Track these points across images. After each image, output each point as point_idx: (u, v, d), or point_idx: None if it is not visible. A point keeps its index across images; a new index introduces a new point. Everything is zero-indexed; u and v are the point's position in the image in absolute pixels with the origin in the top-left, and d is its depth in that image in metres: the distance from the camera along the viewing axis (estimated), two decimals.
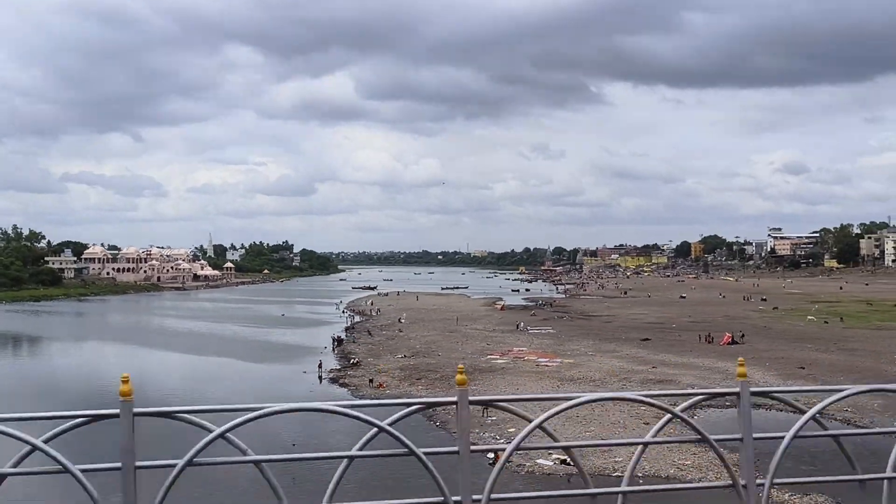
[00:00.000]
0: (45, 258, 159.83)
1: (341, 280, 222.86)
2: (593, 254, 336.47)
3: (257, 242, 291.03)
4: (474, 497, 3.96)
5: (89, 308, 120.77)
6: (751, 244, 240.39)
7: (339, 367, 52.83)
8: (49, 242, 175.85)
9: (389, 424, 3.96)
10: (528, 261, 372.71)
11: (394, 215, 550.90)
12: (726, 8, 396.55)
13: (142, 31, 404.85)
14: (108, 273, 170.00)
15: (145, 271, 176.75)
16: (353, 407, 4.04)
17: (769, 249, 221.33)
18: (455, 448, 4.02)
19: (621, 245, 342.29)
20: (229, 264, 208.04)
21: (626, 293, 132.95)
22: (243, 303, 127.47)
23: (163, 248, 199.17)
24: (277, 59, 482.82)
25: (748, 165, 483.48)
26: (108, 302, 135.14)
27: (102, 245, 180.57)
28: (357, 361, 53.49)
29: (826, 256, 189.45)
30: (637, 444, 4.42)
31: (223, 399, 41.72)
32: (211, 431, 3.77)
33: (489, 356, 53.68)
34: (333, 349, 63.34)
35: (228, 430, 3.77)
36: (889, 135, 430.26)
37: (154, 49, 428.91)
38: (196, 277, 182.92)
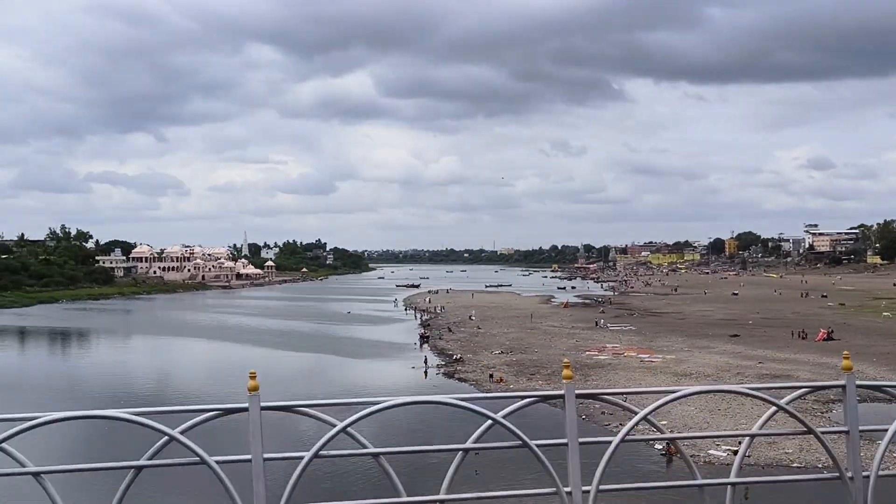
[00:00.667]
0: (96, 257, 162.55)
1: (379, 278, 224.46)
2: (623, 251, 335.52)
3: (290, 241, 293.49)
4: (584, 488, 4.10)
5: (152, 306, 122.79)
6: (787, 240, 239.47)
7: (443, 362, 54.04)
8: (97, 242, 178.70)
9: (503, 417, 4.14)
10: (556, 258, 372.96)
11: (414, 213, 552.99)
12: (747, 2, 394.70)
13: (164, 30, 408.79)
14: (154, 272, 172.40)
15: (189, 270, 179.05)
16: (468, 400, 4.18)
17: (808, 246, 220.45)
18: (564, 440, 4.16)
19: (651, 242, 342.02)
20: (270, 263, 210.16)
21: (676, 290, 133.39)
22: (298, 300, 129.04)
23: (201, 247, 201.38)
24: (298, 57, 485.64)
25: (772, 161, 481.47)
26: (165, 300, 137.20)
27: (149, 245, 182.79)
28: (459, 357, 54.67)
29: (869, 253, 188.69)
30: (743, 436, 4.52)
31: (343, 394, 43.03)
32: (334, 426, 3.97)
33: (587, 352, 54.66)
34: (420, 346, 64.64)
35: (350, 424, 3.97)
36: None
37: (176, 49, 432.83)
38: (239, 276, 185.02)
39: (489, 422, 4.14)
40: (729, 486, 4.30)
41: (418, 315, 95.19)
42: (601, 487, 4.11)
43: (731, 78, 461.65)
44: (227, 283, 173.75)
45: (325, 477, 22.30)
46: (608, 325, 73.03)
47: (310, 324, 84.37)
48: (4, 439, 3.74)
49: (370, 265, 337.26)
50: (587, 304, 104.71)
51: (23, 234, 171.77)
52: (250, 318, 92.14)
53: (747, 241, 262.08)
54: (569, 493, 4.12)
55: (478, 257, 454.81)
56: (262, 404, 3.91)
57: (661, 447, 28.93)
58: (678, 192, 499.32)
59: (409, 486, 3.98)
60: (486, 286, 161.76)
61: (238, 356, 59.27)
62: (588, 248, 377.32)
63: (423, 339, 67.36)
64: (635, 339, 61.94)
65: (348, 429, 3.99)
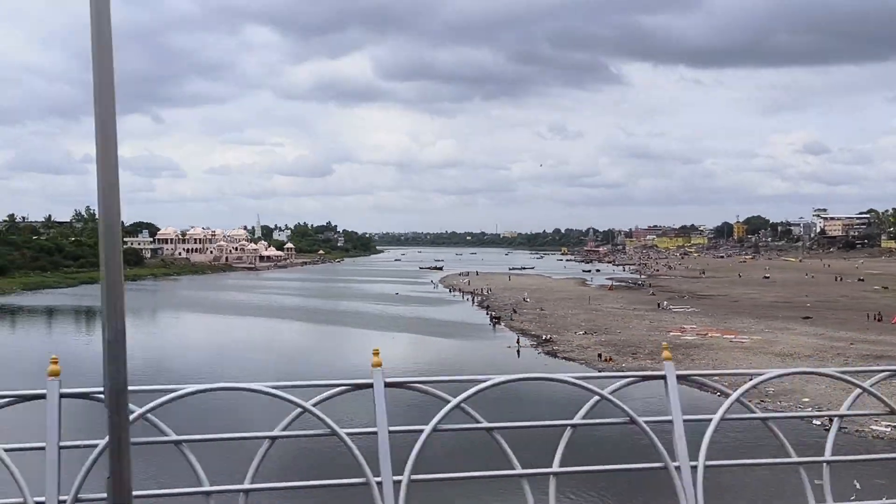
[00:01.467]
0: (124, 238, 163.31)
1: (395, 260, 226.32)
2: (628, 234, 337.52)
3: (301, 223, 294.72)
4: (691, 463, 4.35)
5: (193, 285, 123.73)
6: (797, 225, 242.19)
7: (533, 342, 55.97)
8: (123, 223, 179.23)
9: (610, 393, 4.43)
10: (560, 241, 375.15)
11: (410, 196, 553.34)
12: None
13: (163, 11, 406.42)
14: (179, 253, 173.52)
15: (212, 251, 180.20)
16: (579, 378, 4.47)
17: (819, 230, 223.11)
18: (669, 417, 4.43)
19: (655, 226, 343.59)
20: (289, 245, 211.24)
21: (703, 273, 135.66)
22: (332, 282, 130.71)
23: (221, 230, 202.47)
24: (296, 39, 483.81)
25: (767, 146, 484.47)
26: (200, 281, 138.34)
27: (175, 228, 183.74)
28: (550, 338, 56.62)
29: (883, 237, 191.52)
30: (831, 416, 4.85)
31: (455, 371, 44.83)
32: (448, 401, 4.21)
33: (671, 333, 56.69)
34: (493, 326, 66.68)
35: (464, 400, 4.21)
36: None
37: (175, 30, 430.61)
38: (262, 258, 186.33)
39: (595, 398, 4.43)
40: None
41: (467, 297, 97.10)
42: (707, 463, 4.37)
43: (728, 62, 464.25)
44: (252, 265, 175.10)
45: (442, 450, 23.94)
46: (671, 307, 75.10)
47: (370, 304, 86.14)
48: (149, 410, 4.01)
49: (379, 248, 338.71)
50: (629, 287, 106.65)
51: (50, 216, 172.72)
52: (306, 300, 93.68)
53: (756, 225, 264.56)
54: (677, 468, 4.37)
55: (480, 240, 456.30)
56: (386, 380, 4.26)
57: (818, 422, 30.97)
58: (673, 177, 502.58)
59: (524, 459, 4.26)
60: (511, 269, 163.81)
61: (334, 335, 61.25)
62: (593, 231, 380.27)
63: (495, 319, 69.30)
64: (706, 321, 64.00)
65: (462, 405, 4.25)
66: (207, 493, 4.20)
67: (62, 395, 4.04)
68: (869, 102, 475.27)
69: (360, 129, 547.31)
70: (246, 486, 4.23)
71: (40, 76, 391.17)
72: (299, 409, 4.20)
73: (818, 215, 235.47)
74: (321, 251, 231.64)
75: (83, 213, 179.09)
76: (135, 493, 3.10)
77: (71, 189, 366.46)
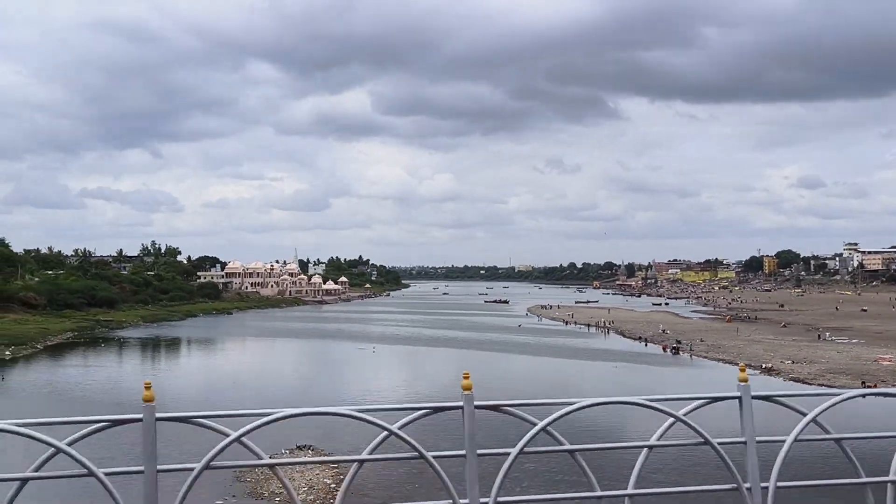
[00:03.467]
0: (198, 272, 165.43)
1: (444, 294, 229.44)
2: (647, 268, 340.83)
3: (334, 257, 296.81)
4: (763, 484, 4.44)
5: (289, 317, 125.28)
6: (832, 258, 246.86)
7: (756, 371, 58.67)
8: (189, 257, 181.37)
9: (685, 415, 4.56)
10: (578, 275, 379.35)
11: (408, 229, 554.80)
12: (741, 23, 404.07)
13: (165, 48, 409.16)
14: (245, 287, 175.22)
15: (272, 286, 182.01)
16: (656, 400, 4.61)
17: (857, 264, 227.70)
18: (742, 438, 4.58)
19: (675, 259, 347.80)
20: (343, 279, 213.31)
21: (782, 306, 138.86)
22: (419, 314, 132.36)
23: (281, 262, 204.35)
24: (297, 75, 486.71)
25: (762, 179, 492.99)
26: (287, 313, 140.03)
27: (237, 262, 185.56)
28: (770, 367, 59.31)
29: None
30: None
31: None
32: (535, 424, 4.40)
33: (871, 361, 59.70)
34: (672, 355, 69.77)
35: (550, 424, 4.43)
36: None
37: (176, 66, 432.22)
38: (325, 292, 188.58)
39: (671, 420, 4.57)
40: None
41: (592, 328, 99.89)
42: (778, 484, 4.55)
43: (724, 97, 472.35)
44: (322, 299, 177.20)
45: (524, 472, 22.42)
46: (832, 337, 78.05)
47: (511, 335, 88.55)
48: (244, 433, 4.06)
49: (405, 282, 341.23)
50: (742, 320, 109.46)
51: (121, 250, 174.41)
52: (433, 330, 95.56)
53: (787, 259, 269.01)
54: (749, 489, 4.57)
55: (495, 274, 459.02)
56: (476, 403, 4.37)
57: None
58: (670, 210, 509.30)
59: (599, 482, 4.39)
60: (577, 302, 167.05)
61: (524, 364, 63.56)
62: (609, 265, 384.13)
63: (674, 350, 72.13)
64: (887, 351, 66.93)
65: (548, 427, 4.41)
66: None
67: (157, 419, 4.17)
68: (863, 138, 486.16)
69: (358, 164, 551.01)
70: None
71: (41, 111, 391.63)
72: (385, 433, 4.34)
73: (850, 249, 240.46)
74: (368, 285, 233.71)
75: (149, 247, 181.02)
76: None
77: (68, 223, 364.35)
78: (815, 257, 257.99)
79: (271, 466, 4.48)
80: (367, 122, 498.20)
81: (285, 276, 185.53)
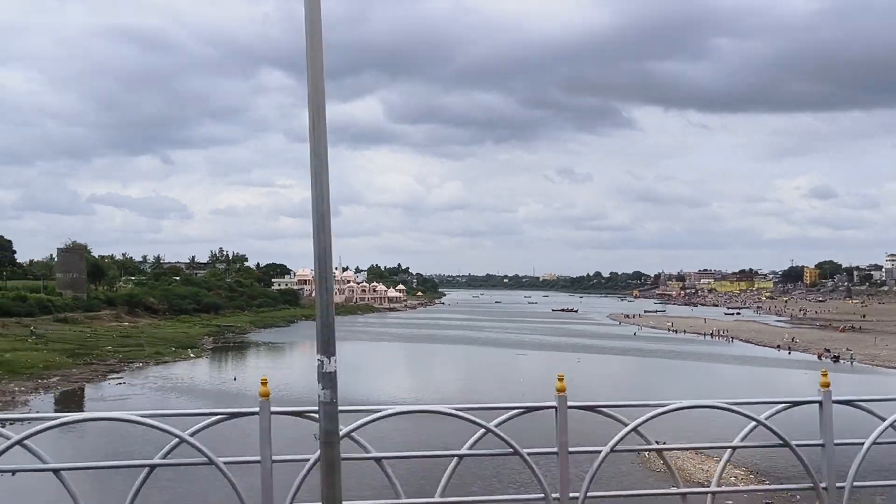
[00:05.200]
0: (272, 279, 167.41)
1: (496, 302, 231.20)
2: (680, 278, 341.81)
3: (374, 265, 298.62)
4: (839, 484, 4.65)
5: (388, 322, 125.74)
6: (878, 269, 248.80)
7: None
8: (258, 264, 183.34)
9: (766, 419, 4.91)
10: (605, 285, 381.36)
11: (416, 237, 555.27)
12: (755, 34, 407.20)
13: (178, 56, 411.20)
14: (311, 294, 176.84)
15: (342, 293, 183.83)
16: (736, 404, 4.93)
17: None
18: (821, 441, 4.85)
19: (705, 269, 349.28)
20: (401, 286, 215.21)
21: (864, 317, 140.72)
22: (503, 321, 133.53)
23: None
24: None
25: (774, 190, 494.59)
26: (373, 318, 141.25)
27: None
28: None
29: None
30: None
31: None
32: (626, 425, 4.75)
33: None
34: (832, 361, 71.62)
35: (640, 425, 4.79)
36: None
37: (189, 74, 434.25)
38: (390, 299, 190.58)
39: (752, 423, 4.95)
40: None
41: (707, 336, 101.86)
42: (854, 484, 4.85)
43: (737, 107, 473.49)
44: (391, 306, 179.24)
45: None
46: None
47: (633, 343, 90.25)
48: (354, 430, 4.30)
49: (441, 290, 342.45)
50: (855, 330, 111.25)
51: (193, 257, 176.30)
52: (543, 336, 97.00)
53: (829, 269, 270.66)
54: (825, 489, 4.79)
55: (518, 283, 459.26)
56: (570, 404, 4.53)
57: None
58: (680, 220, 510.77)
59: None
60: (646, 311, 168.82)
61: (705, 377, 65.39)
62: (637, 274, 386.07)
63: (835, 358, 73.98)
64: None
65: (638, 428, 4.62)
66: None
67: (272, 413, 4.35)
68: (876, 148, 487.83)
69: (368, 172, 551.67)
70: (437, 499, 4.70)
71: (54, 118, 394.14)
72: (483, 430, 4.53)
73: (891, 259, 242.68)
74: (420, 293, 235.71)
75: (216, 253, 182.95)
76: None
77: (77, 229, 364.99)
78: (857, 268, 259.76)
79: (377, 460, 4.78)
80: (379, 130, 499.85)
81: (352, 284, 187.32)
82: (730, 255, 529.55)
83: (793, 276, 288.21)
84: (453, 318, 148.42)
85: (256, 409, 4.68)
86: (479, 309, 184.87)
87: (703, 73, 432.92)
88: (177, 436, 4.63)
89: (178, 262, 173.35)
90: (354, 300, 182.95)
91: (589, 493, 4.67)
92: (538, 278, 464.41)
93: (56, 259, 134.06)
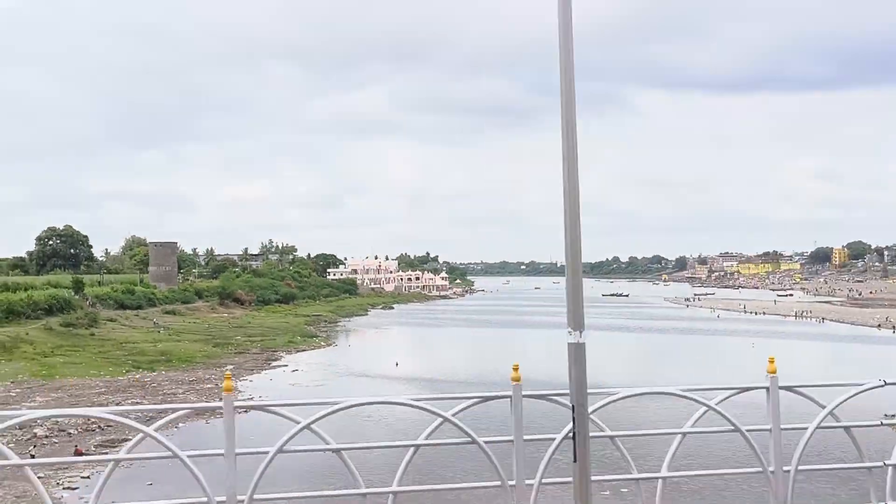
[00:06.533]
0: (328, 269, 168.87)
1: (536, 288, 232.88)
2: (702, 261, 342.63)
3: (403, 254, 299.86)
4: (785, 468, 4.95)
5: (461, 309, 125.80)
6: None
7: None
8: (309, 255, 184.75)
9: (716, 405, 5.20)
10: (627, 269, 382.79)
11: (423, 227, 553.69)
12: (759, 16, 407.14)
13: (189, 49, 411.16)
14: (364, 283, 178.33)
15: (389, 282, 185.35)
16: (689, 391, 5.26)
17: None
18: (768, 426, 5.16)
19: (727, 252, 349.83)
20: (444, 274, 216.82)
21: None
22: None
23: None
24: (315, 74, 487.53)
25: (779, 172, 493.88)
26: (436, 305, 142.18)
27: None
28: None
29: None
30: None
31: None
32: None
33: None
34: None
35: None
36: None
37: (196, 67, 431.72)
38: (437, 288, 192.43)
39: (703, 409, 5.27)
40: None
41: (791, 318, 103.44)
42: (799, 468, 5.22)
43: (743, 89, 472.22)
44: (444, 294, 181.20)
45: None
46: None
47: (723, 325, 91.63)
48: (594, 410, 4.53)
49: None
50: None
51: (246, 249, 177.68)
52: (639, 321, 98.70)
53: (858, 250, 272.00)
54: (773, 472, 5.16)
55: (535, 269, 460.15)
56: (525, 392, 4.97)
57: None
58: (684, 204, 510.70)
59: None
60: (695, 294, 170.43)
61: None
62: (657, 258, 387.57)
63: None
64: None
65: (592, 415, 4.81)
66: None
67: (524, 396, 4.58)
68: (882, 127, 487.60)
69: (374, 161, 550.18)
70: (395, 488, 5.04)
71: (60, 113, 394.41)
72: (440, 420, 4.85)
73: None
74: (458, 280, 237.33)
75: (266, 244, 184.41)
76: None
77: (85, 224, 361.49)
78: (888, 248, 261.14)
79: (612, 438, 5.09)
80: (384, 119, 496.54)
81: (401, 273, 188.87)
82: (737, 237, 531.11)
83: (820, 257, 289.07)
84: (516, 304, 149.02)
85: (509, 393, 5.08)
86: (526, 295, 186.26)
87: (710, 54, 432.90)
88: (442, 416, 5.04)
89: (228, 254, 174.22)
90: (404, 288, 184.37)
91: (543, 480, 4.96)
92: (555, 264, 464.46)
93: (122, 252, 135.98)
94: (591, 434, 4.46)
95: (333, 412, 5.11)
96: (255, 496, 4.94)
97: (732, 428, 5.15)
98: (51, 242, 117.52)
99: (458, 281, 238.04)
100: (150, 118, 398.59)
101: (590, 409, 4.57)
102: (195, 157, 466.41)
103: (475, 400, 5.29)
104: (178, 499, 4.85)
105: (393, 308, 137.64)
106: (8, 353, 57.34)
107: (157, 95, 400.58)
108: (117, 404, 40.56)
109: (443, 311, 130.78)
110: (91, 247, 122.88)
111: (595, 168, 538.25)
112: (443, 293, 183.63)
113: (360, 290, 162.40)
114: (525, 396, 5.13)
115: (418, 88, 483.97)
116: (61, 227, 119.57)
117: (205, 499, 4.78)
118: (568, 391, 4.58)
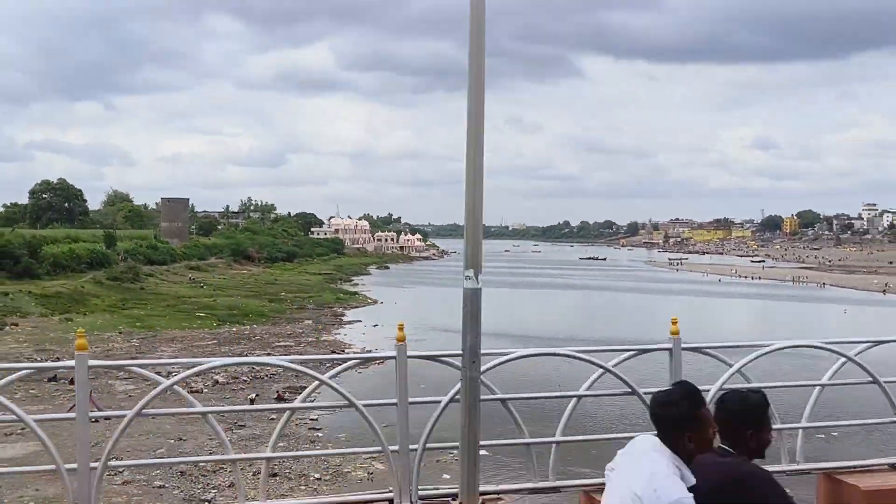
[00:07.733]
0: (312, 229, 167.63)
1: (506, 251, 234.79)
2: (655, 227, 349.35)
3: (367, 214, 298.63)
4: None
5: (457, 269, 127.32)
6: (858, 219, 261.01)
7: None
8: (289, 213, 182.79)
9: (614, 366, 5.16)
10: (578, 234, 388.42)
11: (366, 187, 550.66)
12: None
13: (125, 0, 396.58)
14: (350, 243, 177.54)
15: (366, 242, 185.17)
16: (585, 352, 5.22)
17: (888, 224, 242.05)
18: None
19: (677, 219, 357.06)
20: (418, 236, 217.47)
21: (892, 263, 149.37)
22: (567, 269, 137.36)
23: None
24: (258, 29, 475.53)
25: (718, 141, 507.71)
26: (430, 266, 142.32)
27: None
28: None
29: None
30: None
31: None
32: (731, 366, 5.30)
33: None
34: None
35: (745, 364, 5.30)
36: (857, 112, 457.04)
37: (133, 17, 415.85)
38: (417, 249, 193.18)
39: (599, 371, 5.26)
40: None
41: (789, 281, 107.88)
42: None
43: (687, 58, 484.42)
44: (429, 255, 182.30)
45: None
46: None
47: (734, 288, 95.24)
48: (482, 372, 4.54)
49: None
50: None
51: (227, 206, 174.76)
52: (649, 283, 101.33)
53: (808, 219, 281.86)
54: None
55: (488, 232, 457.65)
56: (684, 345, 5.15)
57: None
58: (626, 170, 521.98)
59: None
60: (670, 259, 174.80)
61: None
62: (609, 223, 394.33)
63: None
64: None
65: (741, 369, 5.08)
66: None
67: (408, 357, 4.73)
68: (818, 99, 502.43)
69: (318, 120, 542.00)
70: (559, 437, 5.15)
71: None
72: (600, 371, 5.15)
73: (867, 209, 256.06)
74: (430, 241, 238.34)
75: (246, 203, 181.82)
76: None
77: (13, 176, 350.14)
78: (838, 216, 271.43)
79: (504, 401, 5.07)
80: (329, 77, 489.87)
81: (381, 234, 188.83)
82: (680, 204, 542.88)
83: (770, 225, 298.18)
84: (503, 265, 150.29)
85: (669, 346, 5.21)
86: (507, 256, 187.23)
87: (654, 23, 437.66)
88: (601, 367, 5.09)
89: (210, 212, 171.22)
90: (384, 249, 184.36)
91: (429, 445, 4.96)
92: (507, 227, 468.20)
93: (103, 206, 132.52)
94: (486, 398, 4.65)
95: (501, 363, 5.08)
96: (428, 445, 4.98)
97: (630, 391, 5.21)
98: (45, 196, 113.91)
99: (430, 242, 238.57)
100: (85, 69, 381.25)
101: (487, 367, 4.74)
102: (132, 108, 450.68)
103: (633, 352, 5.36)
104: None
105: (388, 268, 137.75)
106: (80, 306, 56.48)
107: (93, 45, 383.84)
108: (244, 355, 40.53)
109: (440, 272, 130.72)
110: (86, 201, 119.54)
111: (540, 132, 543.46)
112: (423, 254, 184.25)
113: (347, 250, 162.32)
114: (684, 350, 5.27)
115: (365, 45, 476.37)
116: (55, 181, 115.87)
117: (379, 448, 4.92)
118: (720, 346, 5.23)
